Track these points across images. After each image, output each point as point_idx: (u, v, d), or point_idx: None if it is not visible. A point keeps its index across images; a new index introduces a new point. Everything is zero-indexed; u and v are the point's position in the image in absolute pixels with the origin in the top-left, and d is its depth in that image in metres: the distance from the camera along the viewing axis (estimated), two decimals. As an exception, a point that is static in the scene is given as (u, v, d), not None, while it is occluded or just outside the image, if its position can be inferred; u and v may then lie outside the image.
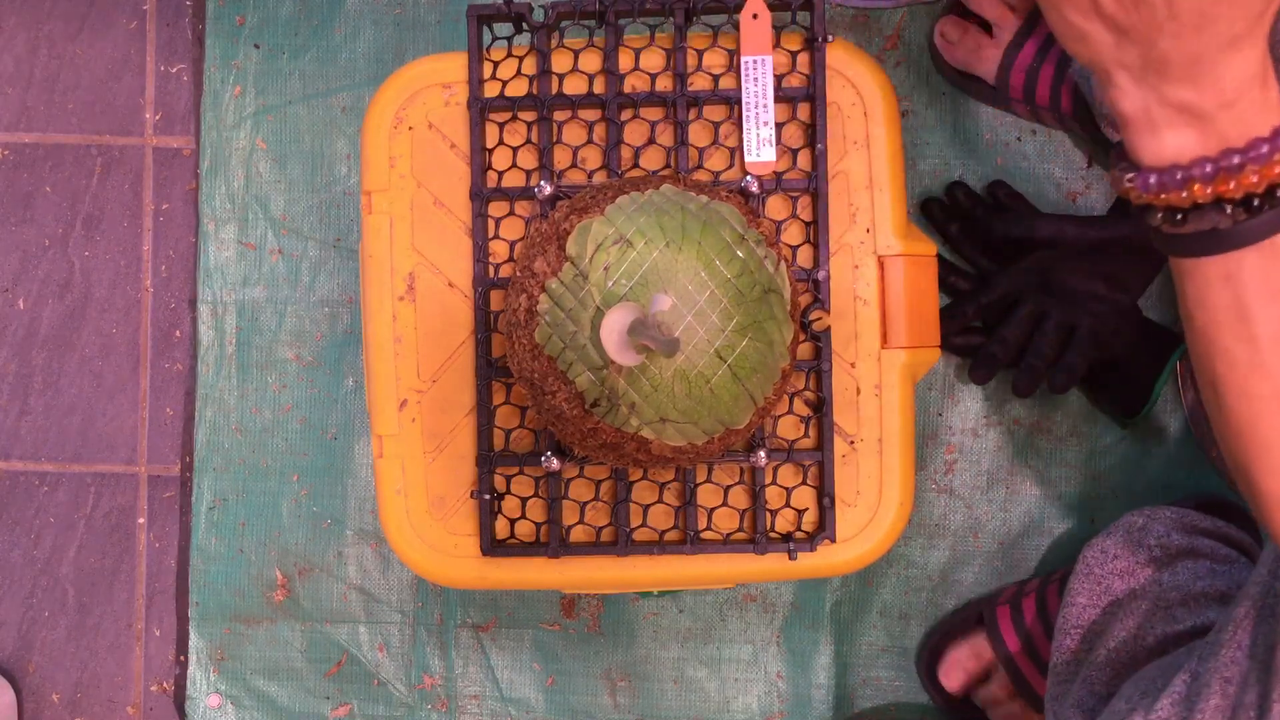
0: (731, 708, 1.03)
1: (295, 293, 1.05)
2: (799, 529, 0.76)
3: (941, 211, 0.99)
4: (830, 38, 0.74)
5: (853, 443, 0.76)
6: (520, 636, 1.04)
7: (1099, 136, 0.89)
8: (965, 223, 0.98)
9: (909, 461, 0.76)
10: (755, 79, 0.75)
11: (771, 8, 0.74)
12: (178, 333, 1.07)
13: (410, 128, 0.77)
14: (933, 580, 1.02)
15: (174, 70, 1.07)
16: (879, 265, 0.76)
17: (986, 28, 0.95)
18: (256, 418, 1.06)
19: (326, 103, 1.05)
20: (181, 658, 1.07)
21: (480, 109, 0.76)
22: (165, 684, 1.08)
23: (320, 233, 1.05)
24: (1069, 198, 1.00)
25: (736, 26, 0.75)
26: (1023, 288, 0.94)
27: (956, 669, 0.97)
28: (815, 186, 0.75)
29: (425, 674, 1.05)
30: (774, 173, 0.75)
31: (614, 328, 0.62)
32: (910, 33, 1.01)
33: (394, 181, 0.77)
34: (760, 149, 0.75)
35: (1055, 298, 0.93)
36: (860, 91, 0.76)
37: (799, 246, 0.76)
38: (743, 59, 0.74)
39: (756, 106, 0.75)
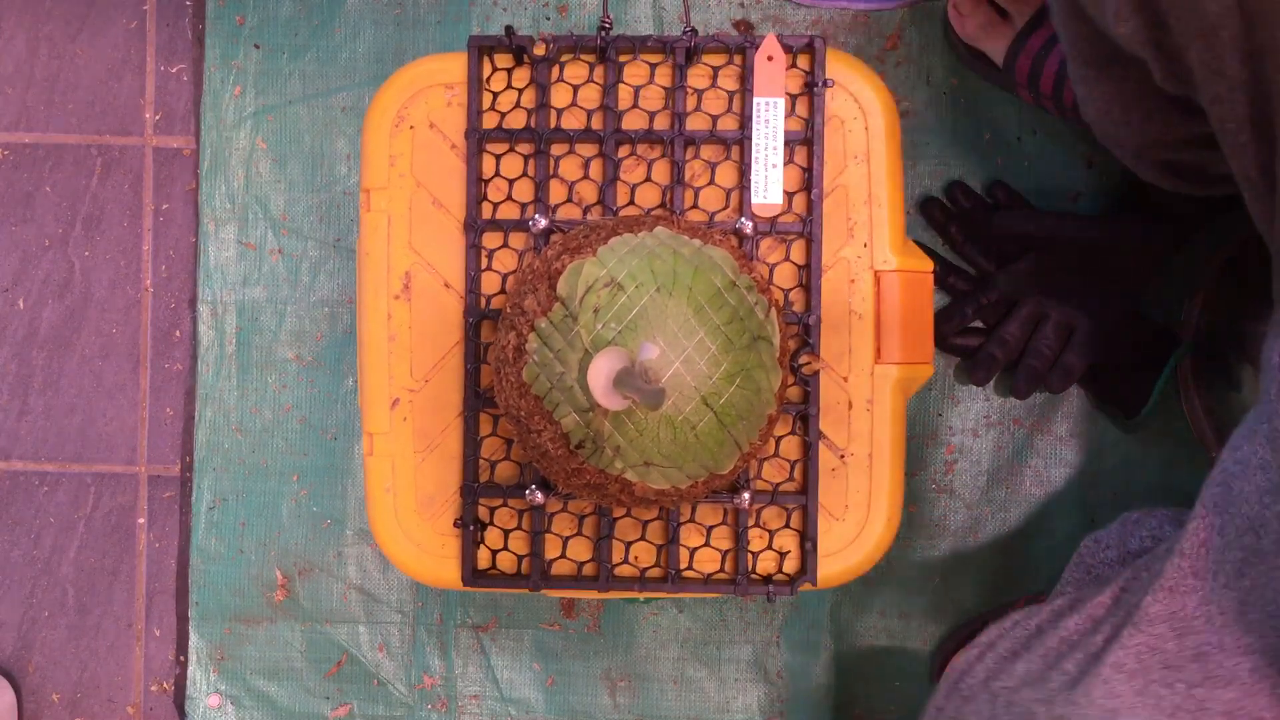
0: (731, 708, 1.03)
1: (295, 293, 1.05)
2: (780, 570, 0.76)
3: (941, 211, 0.99)
4: (830, 82, 0.74)
5: (843, 456, 0.75)
6: (520, 636, 1.04)
7: None
8: (965, 223, 0.98)
9: (898, 476, 0.76)
10: (766, 120, 0.74)
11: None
12: (178, 333, 1.07)
13: (411, 126, 0.77)
14: (933, 581, 1.01)
15: (174, 70, 1.07)
16: (875, 280, 0.75)
17: (1003, 11, 0.95)
18: (256, 418, 1.05)
19: (326, 103, 1.05)
20: (181, 658, 1.07)
21: (477, 140, 0.75)
22: (165, 684, 1.08)
23: (320, 233, 1.05)
24: (1069, 198, 1.00)
25: (740, 67, 0.74)
26: (1022, 288, 0.93)
27: None
28: (810, 231, 0.74)
29: (425, 674, 1.04)
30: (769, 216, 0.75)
31: (601, 372, 0.61)
32: (910, 33, 1.01)
33: (393, 180, 0.77)
34: (768, 190, 0.74)
35: (1054, 298, 0.93)
36: (861, 105, 0.75)
37: (791, 290, 0.75)
38: (754, 100, 0.74)
39: (766, 148, 0.74)
